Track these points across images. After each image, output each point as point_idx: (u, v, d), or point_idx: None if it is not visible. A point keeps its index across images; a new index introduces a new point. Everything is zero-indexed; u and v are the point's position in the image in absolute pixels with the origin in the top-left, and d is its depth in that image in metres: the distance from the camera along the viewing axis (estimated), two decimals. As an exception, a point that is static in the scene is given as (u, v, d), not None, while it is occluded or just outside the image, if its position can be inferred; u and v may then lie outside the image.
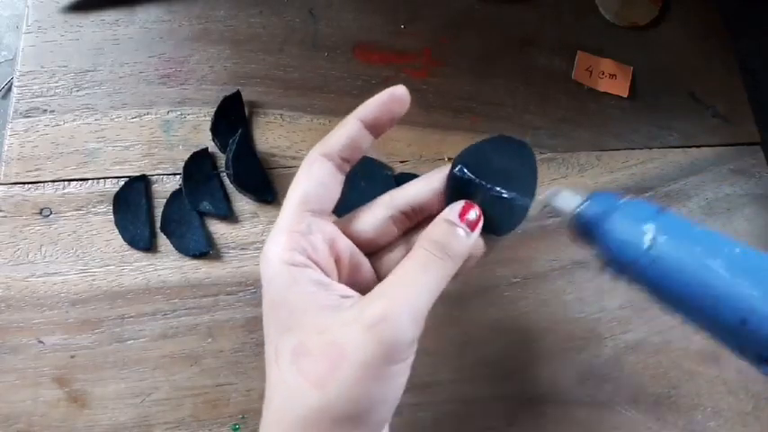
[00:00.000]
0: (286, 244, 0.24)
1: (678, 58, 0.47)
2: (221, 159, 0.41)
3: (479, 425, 0.38)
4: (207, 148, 0.40)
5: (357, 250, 0.27)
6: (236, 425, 0.36)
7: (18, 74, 0.42)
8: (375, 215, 0.27)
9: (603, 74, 0.46)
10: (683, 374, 0.39)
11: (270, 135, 0.42)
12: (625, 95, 0.45)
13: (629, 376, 0.39)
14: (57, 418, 0.35)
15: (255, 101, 0.42)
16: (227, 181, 0.40)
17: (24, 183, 0.40)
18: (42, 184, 0.40)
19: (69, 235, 0.39)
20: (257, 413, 0.36)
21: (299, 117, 0.42)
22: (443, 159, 0.42)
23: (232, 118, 0.41)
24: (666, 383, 0.39)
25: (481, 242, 0.27)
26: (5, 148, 0.40)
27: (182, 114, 0.42)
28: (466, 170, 0.26)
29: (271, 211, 0.40)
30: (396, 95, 0.26)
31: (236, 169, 0.39)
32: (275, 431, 0.23)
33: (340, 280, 0.26)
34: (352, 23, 0.45)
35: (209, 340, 0.37)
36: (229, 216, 0.40)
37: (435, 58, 0.45)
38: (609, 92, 0.45)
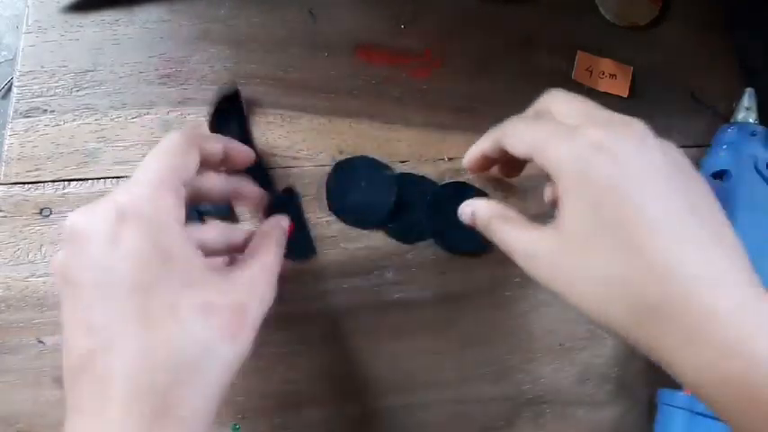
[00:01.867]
0: (176, 198, 0.26)
1: (678, 58, 0.47)
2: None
3: (479, 425, 0.38)
4: (207, 148, 0.40)
5: None
6: (236, 425, 0.36)
7: (18, 74, 0.42)
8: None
9: (603, 74, 0.46)
10: (683, 374, 0.39)
11: (270, 135, 0.42)
12: (625, 95, 0.45)
13: (629, 376, 0.40)
14: (57, 418, 0.35)
15: (255, 101, 0.42)
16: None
17: (24, 183, 0.40)
18: (42, 184, 0.40)
19: (69, 235, 0.39)
20: (257, 413, 0.36)
21: (298, 117, 0.42)
22: (444, 159, 0.42)
23: (230, 113, 0.41)
24: (667, 383, 0.39)
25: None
26: (5, 148, 0.40)
27: (182, 114, 0.42)
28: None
29: (271, 211, 0.40)
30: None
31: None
32: (187, 386, 0.24)
33: None
34: (352, 23, 0.45)
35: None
36: (229, 216, 0.40)
37: (435, 58, 0.45)
38: (609, 92, 0.45)
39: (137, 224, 0.24)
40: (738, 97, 0.43)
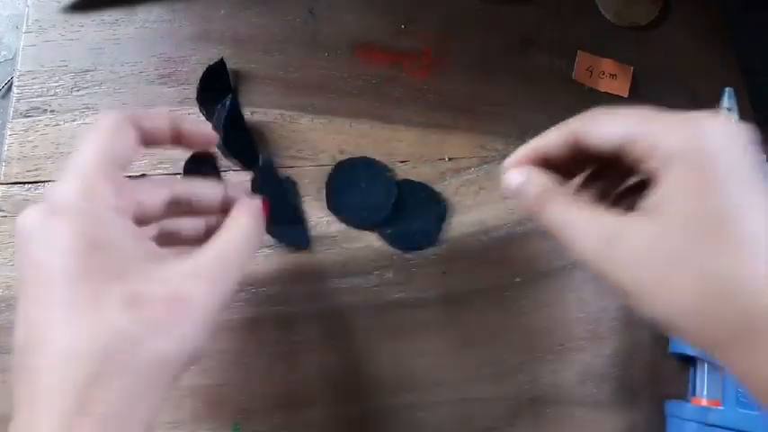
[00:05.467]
0: (116, 191, 0.25)
1: (678, 58, 0.47)
2: (222, 159, 0.41)
3: (479, 425, 0.38)
4: (207, 147, 0.40)
5: None
6: (236, 425, 0.36)
7: (18, 74, 0.42)
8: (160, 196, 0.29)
9: (604, 74, 0.46)
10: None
11: (270, 135, 0.42)
12: (625, 95, 0.45)
13: (629, 376, 0.40)
14: (57, 418, 0.35)
15: (255, 101, 0.42)
16: (225, 181, 0.40)
17: (24, 183, 0.40)
18: (42, 184, 0.40)
19: (69, 235, 0.39)
20: (257, 413, 0.36)
21: (298, 117, 0.42)
22: (444, 159, 0.42)
23: (218, 86, 0.41)
24: (667, 383, 0.39)
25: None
26: (5, 147, 0.40)
27: (182, 114, 0.42)
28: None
29: (271, 211, 0.40)
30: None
31: (224, 133, 0.38)
32: (110, 384, 0.22)
33: None
34: (352, 23, 0.45)
35: (210, 340, 0.37)
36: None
37: (435, 57, 0.45)
38: (609, 92, 0.45)
39: (65, 217, 0.23)
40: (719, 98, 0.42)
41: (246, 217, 0.29)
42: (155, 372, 0.23)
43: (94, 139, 0.26)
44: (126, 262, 0.24)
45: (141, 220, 0.27)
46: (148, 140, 0.28)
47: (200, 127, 0.31)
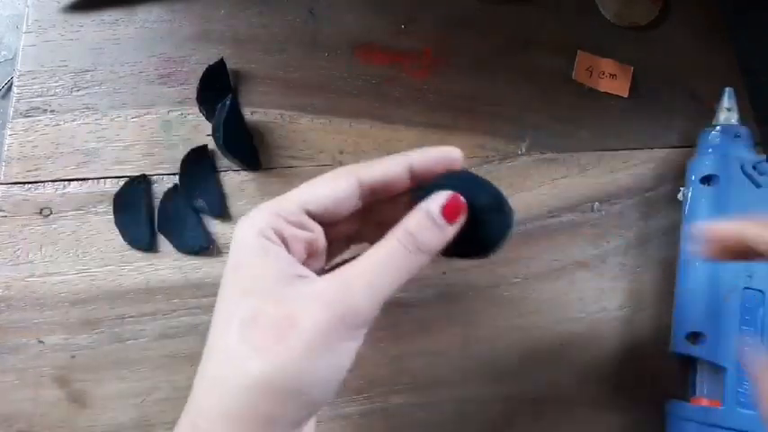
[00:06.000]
0: (269, 221, 0.25)
1: (678, 58, 0.47)
2: (221, 159, 0.41)
3: (479, 425, 0.38)
4: (206, 146, 0.40)
5: (324, 249, 0.27)
6: (236, 425, 0.36)
7: (18, 74, 0.42)
8: (340, 185, 0.26)
9: (604, 74, 0.46)
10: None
11: (270, 135, 0.42)
12: (625, 95, 0.45)
13: (629, 376, 0.39)
14: (57, 418, 0.35)
15: (255, 101, 0.42)
16: (224, 181, 0.40)
17: (24, 183, 0.40)
18: (42, 184, 0.40)
19: (69, 235, 0.39)
20: (257, 413, 0.36)
21: (298, 117, 0.42)
22: (443, 159, 0.42)
23: (218, 86, 0.41)
24: (667, 384, 0.39)
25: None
26: (5, 147, 0.40)
27: (182, 114, 0.42)
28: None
29: (271, 211, 0.40)
30: (451, 157, 0.26)
31: (225, 132, 0.39)
32: (210, 399, 0.22)
33: None
34: (352, 23, 0.45)
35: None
36: (223, 216, 0.40)
37: (435, 57, 0.45)
38: (609, 92, 0.45)
39: (233, 240, 0.25)
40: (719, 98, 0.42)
41: (394, 243, 0.24)
42: (248, 395, 0.21)
43: (319, 188, 0.26)
44: (258, 280, 0.24)
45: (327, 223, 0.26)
46: (379, 192, 0.26)
47: (432, 154, 0.27)
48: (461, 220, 0.25)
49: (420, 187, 0.26)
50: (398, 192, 0.27)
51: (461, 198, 0.25)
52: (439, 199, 0.25)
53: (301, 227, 0.25)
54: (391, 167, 0.26)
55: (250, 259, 0.24)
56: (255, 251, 0.24)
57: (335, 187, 0.25)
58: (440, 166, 0.26)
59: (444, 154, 0.26)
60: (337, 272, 0.24)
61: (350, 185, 0.25)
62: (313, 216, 0.26)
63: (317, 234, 0.26)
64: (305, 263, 0.26)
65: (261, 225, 0.24)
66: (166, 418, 0.36)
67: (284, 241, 0.25)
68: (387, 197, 0.27)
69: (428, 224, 0.24)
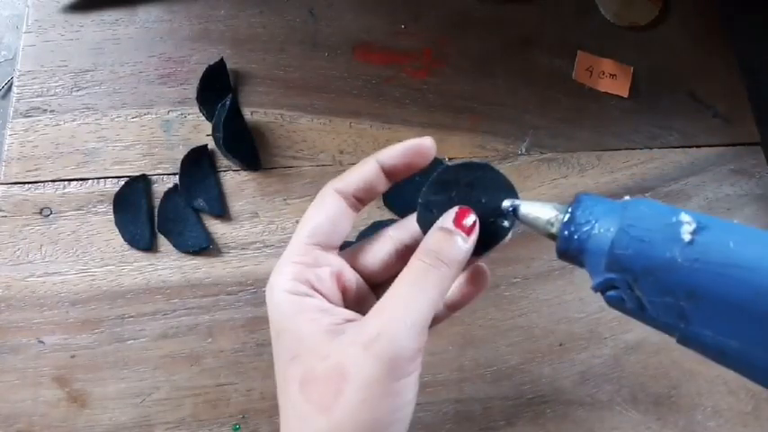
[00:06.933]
0: (290, 274, 0.25)
1: (678, 58, 0.47)
2: (221, 159, 0.41)
3: (479, 425, 0.38)
4: (206, 146, 0.40)
5: (363, 282, 0.27)
6: (236, 425, 0.36)
7: (18, 74, 0.42)
8: (380, 249, 0.27)
9: (604, 74, 0.46)
10: (684, 374, 0.39)
11: (270, 135, 0.42)
12: (625, 95, 0.45)
13: (629, 376, 0.39)
14: (57, 418, 0.35)
15: (255, 101, 0.42)
16: (223, 181, 0.40)
17: (24, 183, 0.40)
18: (42, 184, 0.40)
19: (69, 235, 0.39)
20: (257, 413, 0.36)
21: (298, 117, 0.42)
22: (444, 159, 0.42)
23: (218, 86, 0.41)
24: (667, 383, 0.39)
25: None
26: (5, 147, 0.40)
27: (182, 114, 0.42)
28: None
29: (271, 210, 0.40)
30: (421, 148, 0.26)
31: (225, 132, 0.39)
32: None
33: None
34: (352, 23, 0.45)
35: (210, 340, 0.37)
36: (223, 215, 0.40)
37: (435, 58, 0.45)
38: (609, 92, 0.45)
39: (268, 308, 0.25)
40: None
41: (417, 264, 0.24)
42: None
43: (313, 218, 0.26)
44: (300, 342, 0.23)
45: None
46: (364, 197, 0.27)
47: (398, 150, 0.27)
48: (476, 230, 0.25)
49: (428, 201, 0.26)
50: (381, 191, 0.27)
51: (471, 215, 0.25)
52: (449, 216, 0.25)
53: (316, 264, 0.25)
54: (365, 171, 0.26)
55: (287, 324, 0.24)
56: (290, 314, 0.24)
57: (327, 210, 0.26)
58: (416, 159, 0.26)
59: (413, 147, 0.26)
60: (374, 308, 0.23)
61: (336, 203, 0.26)
62: (323, 246, 0.26)
63: (339, 265, 0.26)
64: (350, 299, 0.26)
65: (287, 283, 0.24)
66: (166, 417, 0.36)
67: (312, 286, 0.25)
68: (372, 199, 0.27)
69: (443, 236, 0.25)
